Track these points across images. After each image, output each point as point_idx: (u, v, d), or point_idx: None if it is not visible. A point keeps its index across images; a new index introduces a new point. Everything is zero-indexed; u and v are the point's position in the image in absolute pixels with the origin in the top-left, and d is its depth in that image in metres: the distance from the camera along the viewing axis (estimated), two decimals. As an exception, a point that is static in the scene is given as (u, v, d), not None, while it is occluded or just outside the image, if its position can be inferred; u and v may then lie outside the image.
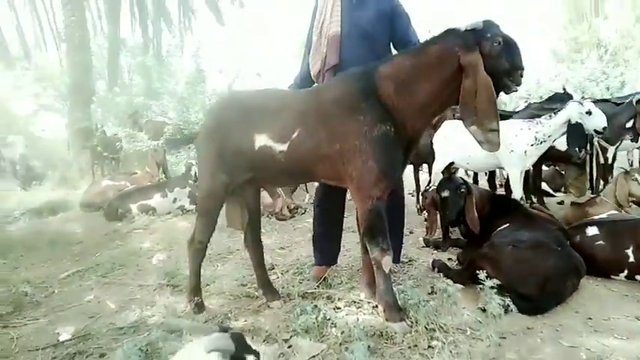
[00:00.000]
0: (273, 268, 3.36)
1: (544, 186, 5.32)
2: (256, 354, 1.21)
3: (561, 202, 5.08)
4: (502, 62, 2.02)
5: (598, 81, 11.76)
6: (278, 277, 3.19)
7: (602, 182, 4.56)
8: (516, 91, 2.11)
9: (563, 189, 5.42)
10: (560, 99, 5.02)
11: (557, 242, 2.51)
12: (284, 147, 2.26)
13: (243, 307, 2.71)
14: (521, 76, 2.07)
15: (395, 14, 2.73)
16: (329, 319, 2.32)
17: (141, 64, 9.08)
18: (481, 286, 2.20)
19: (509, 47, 2.04)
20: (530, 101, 10.56)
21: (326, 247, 3.03)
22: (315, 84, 2.82)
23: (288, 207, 5.17)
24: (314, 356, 2.10)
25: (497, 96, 2.09)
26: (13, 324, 2.70)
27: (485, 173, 5.24)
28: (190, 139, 6.88)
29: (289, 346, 2.19)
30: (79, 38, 8.77)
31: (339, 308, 2.57)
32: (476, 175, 5.42)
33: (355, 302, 2.61)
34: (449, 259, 3.30)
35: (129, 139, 7.67)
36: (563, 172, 5.43)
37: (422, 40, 2.50)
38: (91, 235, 4.66)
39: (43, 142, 12.79)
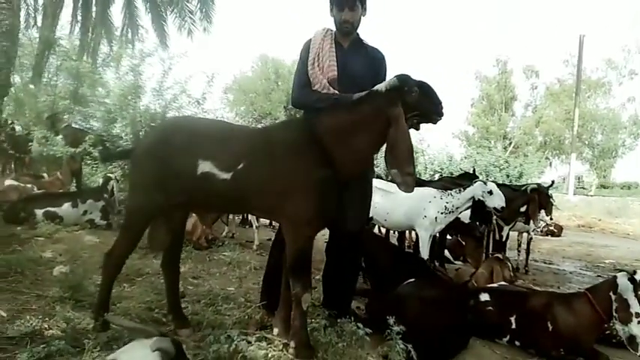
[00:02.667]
0: (184, 297, 3.30)
1: (446, 253, 5.82)
2: None
3: (458, 269, 5.59)
4: (424, 103, 2.33)
5: (501, 167, 13.25)
6: (187, 307, 3.13)
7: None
8: (440, 120, 2.41)
9: (461, 258, 5.96)
10: (469, 177, 5.66)
11: (456, 302, 2.79)
12: (227, 176, 2.35)
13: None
14: (442, 107, 2.38)
15: (380, 72, 2.82)
16: (240, 351, 2.35)
17: (73, 67, 8.64)
18: (386, 333, 2.38)
19: (426, 90, 2.35)
20: (443, 174, 11.68)
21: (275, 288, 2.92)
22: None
23: (206, 237, 5.12)
24: (221, 386, 2.12)
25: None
26: None
27: (395, 232, 5.61)
28: (110, 153, 6.57)
29: (197, 377, 2.17)
30: (6, 26, 8.19)
31: (249, 343, 2.59)
32: (387, 232, 5.78)
33: (266, 338, 2.65)
34: (357, 307, 3.48)
35: (43, 142, 7.13)
36: (463, 243, 6.00)
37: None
38: (-16, 237, 4.24)
39: None
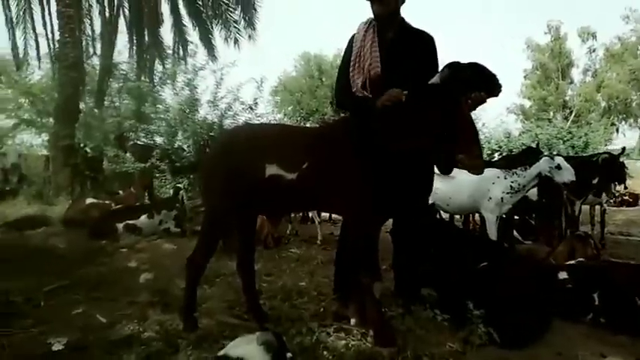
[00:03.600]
0: (261, 294, 3.45)
1: (515, 233, 5.64)
2: (291, 354, 1.35)
3: (528, 250, 5.41)
4: (480, 82, 2.29)
5: (564, 139, 12.55)
6: (264, 303, 3.28)
7: (569, 232, 4.90)
8: (500, 91, 2.34)
9: (531, 238, 5.75)
10: (533, 153, 5.45)
11: (535, 282, 2.74)
12: (293, 176, 2.46)
13: (234, 329, 2.79)
14: (497, 79, 2.32)
15: (431, 59, 2.73)
16: (322, 342, 2.45)
17: (133, 88, 9.21)
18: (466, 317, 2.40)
19: (479, 70, 2.31)
20: (502, 152, 11.22)
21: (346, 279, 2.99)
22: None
23: (272, 236, 5.30)
24: (307, 376, 2.23)
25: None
26: (1, 332, 2.68)
27: (461, 217, 5.53)
28: (177, 165, 6.95)
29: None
30: (72, 57, 8.88)
31: (329, 334, 2.70)
32: (452, 217, 5.69)
33: (344, 329, 2.74)
34: (428, 293, 3.49)
35: (114, 160, 7.68)
36: (532, 222, 5.79)
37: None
38: (75, 251, 4.64)
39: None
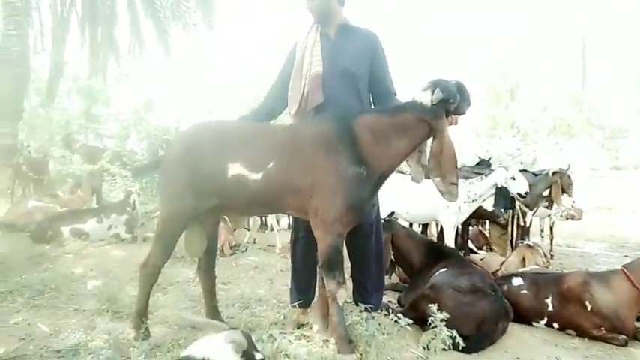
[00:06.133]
0: (218, 302, 3.32)
1: (469, 244, 5.79)
2: (262, 354, 1.27)
3: (482, 259, 5.56)
4: (462, 104, 2.37)
5: (513, 156, 13.13)
6: (222, 311, 3.15)
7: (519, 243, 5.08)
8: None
9: (484, 247, 5.93)
10: (487, 165, 5.64)
11: (491, 288, 2.79)
12: (258, 176, 2.37)
13: (189, 336, 2.65)
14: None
15: (376, 55, 2.83)
16: (282, 350, 2.37)
17: (85, 87, 8.77)
18: (429, 321, 2.39)
19: (463, 91, 2.37)
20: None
21: (303, 283, 3.01)
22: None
23: (229, 244, 5.15)
24: (268, 383, 2.14)
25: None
26: None
27: (419, 225, 5.60)
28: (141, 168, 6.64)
29: (242, 375, 2.19)
30: (16, 52, 8.36)
31: (290, 341, 2.61)
32: (411, 225, 5.76)
33: (305, 336, 2.67)
34: (389, 301, 3.48)
35: (61, 161, 7.24)
36: (485, 233, 5.98)
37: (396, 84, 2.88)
38: (16, 256, 4.29)
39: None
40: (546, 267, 3.97)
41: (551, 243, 5.84)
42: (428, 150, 2.52)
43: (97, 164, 6.53)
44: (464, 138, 18.37)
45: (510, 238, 4.99)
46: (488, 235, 5.79)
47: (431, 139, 2.41)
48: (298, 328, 2.83)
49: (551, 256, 5.75)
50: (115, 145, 7.36)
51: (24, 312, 2.96)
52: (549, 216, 5.79)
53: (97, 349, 2.35)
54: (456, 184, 2.38)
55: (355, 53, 2.80)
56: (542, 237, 5.94)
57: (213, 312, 2.80)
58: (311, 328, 2.76)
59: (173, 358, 2.20)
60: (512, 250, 4.82)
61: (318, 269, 2.63)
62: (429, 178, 2.44)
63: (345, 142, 2.37)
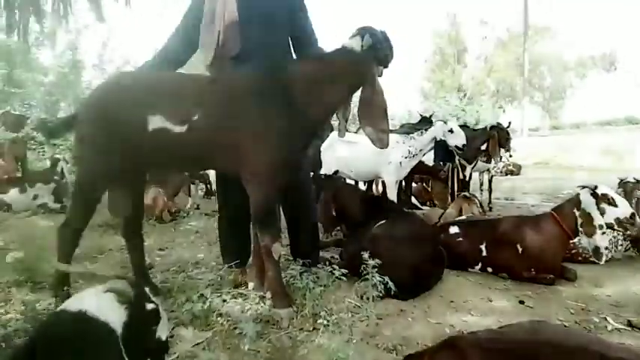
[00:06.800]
0: (152, 268, 3.18)
1: (413, 200, 5.89)
2: (156, 304, 1.15)
3: (425, 213, 5.68)
4: (387, 52, 2.29)
5: (458, 117, 13.48)
6: (156, 277, 3.01)
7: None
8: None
9: (428, 203, 6.05)
10: (428, 122, 5.69)
11: (427, 235, 2.80)
12: (182, 129, 2.20)
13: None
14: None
15: (295, 4, 2.74)
16: (214, 309, 2.28)
17: (4, 50, 7.93)
18: (361, 269, 2.37)
19: (389, 43, 2.31)
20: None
21: (235, 245, 2.93)
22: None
23: (169, 210, 4.94)
24: (198, 344, 2.05)
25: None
26: None
27: (364, 183, 5.61)
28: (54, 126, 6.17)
29: (171, 336, 2.09)
30: None
31: (225, 300, 2.52)
32: (356, 183, 5.75)
33: (242, 295, 2.59)
34: (331, 256, 3.46)
35: (-21, 131, 6.63)
36: (428, 189, 6.09)
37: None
38: None
39: None
40: (483, 215, 4.08)
41: (489, 196, 6.04)
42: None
43: (20, 132, 6.00)
44: (411, 102, 18.65)
45: (451, 191, 5.09)
46: (430, 190, 5.89)
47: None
48: (236, 287, 2.74)
49: (490, 208, 5.96)
50: (42, 113, 6.78)
51: None
52: (488, 170, 5.95)
53: (9, 322, 2.17)
54: (387, 131, 2.34)
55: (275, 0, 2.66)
56: (481, 191, 6.12)
57: (142, 277, 2.64)
58: (247, 286, 2.68)
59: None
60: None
61: (251, 227, 2.56)
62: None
63: (274, 92, 2.25)
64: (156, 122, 2.21)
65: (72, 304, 1.01)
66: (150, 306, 1.09)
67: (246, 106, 2.23)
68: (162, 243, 4.02)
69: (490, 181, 6.03)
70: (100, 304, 0.99)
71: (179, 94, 2.29)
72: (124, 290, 1.05)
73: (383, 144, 2.33)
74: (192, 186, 6.14)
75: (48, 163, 5.28)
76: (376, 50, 2.23)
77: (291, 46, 2.81)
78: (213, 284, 2.77)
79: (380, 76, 2.38)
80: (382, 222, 3.04)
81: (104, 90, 2.43)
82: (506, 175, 10.20)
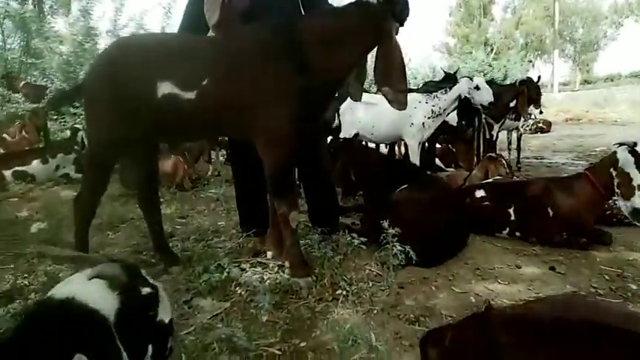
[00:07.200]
0: (173, 236, 3.18)
1: (437, 161, 5.72)
2: (154, 287, 1.09)
3: (449, 175, 5.51)
4: (403, 9, 2.15)
5: (485, 72, 12.92)
6: (177, 245, 3.01)
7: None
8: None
9: (453, 165, 5.87)
10: (453, 79, 5.42)
11: (452, 202, 2.68)
12: (191, 95, 2.10)
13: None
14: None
15: None
16: (233, 279, 2.25)
17: (20, 20, 7.84)
18: (382, 238, 2.28)
19: (408, 5, 2.18)
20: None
21: (253, 213, 2.86)
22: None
23: (190, 177, 4.93)
24: (216, 315, 2.02)
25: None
26: None
27: (386, 146, 5.46)
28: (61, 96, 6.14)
29: (189, 307, 2.07)
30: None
31: (243, 269, 2.50)
32: (377, 147, 5.59)
33: (261, 263, 2.56)
34: (352, 222, 3.39)
35: (1, 101, 6.66)
36: (453, 150, 5.88)
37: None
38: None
39: None
40: (510, 175, 3.90)
41: (518, 156, 5.79)
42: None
43: (41, 103, 6.01)
44: (434, 59, 17.94)
45: (476, 152, 4.89)
46: (455, 151, 5.69)
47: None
48: (255, 256, 2.70)
49: (518, 168, 5.74)
50: (60, 82, 6.75)
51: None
52: (517, 128, 5.68)
53: (32, 292, 2.19)
54: (405, 92, 2.22)
55: None
56: (509, 150, 5.87)
57: (161, 246, 2.63)
58: (266, 255, 2.64)
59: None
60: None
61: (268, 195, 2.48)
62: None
63: (286, 51, 2.12)
64: (165, 88, 2.12)
65: (60, 292, 0.95)
66: (145, 290, 1.02)
67: (255, 67, 2.12)
68: (183, 211, 4.01)
69: (519, 140, 5.75)
70: (92, 290, 0.93)
71: (188, 59, 2.18)
72: (114, 275, 0.98)
73: (401, 105, 2.20)
74: (212, 152, 6.09)
75: (68, 133, 5.30)
76: (393, 4, 2.09)
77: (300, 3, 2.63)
78: (232, 252, 2.75)
79: (396, 34, 2.22)
80: (403, 187, 2.92)
81: (112, 55, 2.33)
82: (536, 132, 9.81)
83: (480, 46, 30.85)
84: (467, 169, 4.79)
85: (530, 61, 29.70)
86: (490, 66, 13.48)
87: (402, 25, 2.21)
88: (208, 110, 2.15)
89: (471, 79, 3.90)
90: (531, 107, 4.93)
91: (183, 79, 2.12)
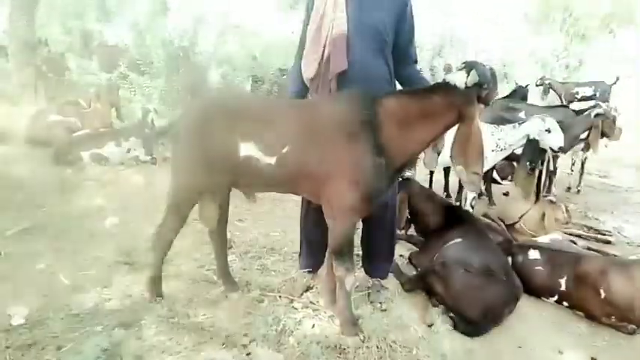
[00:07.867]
0: (231, 247, 3.40)
1: (494, 174, 5.59)
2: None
3: (506, 194, 5.43)
4: (492, 92, 2.21)
5: (559, 57, 12.05)
6: (235, 261, 3.25)
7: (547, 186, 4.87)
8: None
9: (509, 177, 5.73)
10: (522, 94, 5.19)
11: (504, 270, 2.72)
12: (271, 160, 2.24)
13: (201, 294, 2.77)
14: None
15: (404, 14, 2.50)
16: (286, 331, 2.46)
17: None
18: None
19: (495, 81, 2.20)
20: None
21: (311, 253, 2.98)
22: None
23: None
24: (271, 365, 2.25)
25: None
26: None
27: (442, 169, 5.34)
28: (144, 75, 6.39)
29: (248, 354, 2.30)
30: None
31: (295, 309, 2.70)
32: (432, 174, 5.39)
33: (312, 303, 2.75)
34: (400, 255, 3.50)
35: (79, 70, 6.98)
36: (513, 163, 5.70)
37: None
38: (38, 181, 4.36)
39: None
40: (567, 223, 3.84)
41: (580, 178, 5.57)
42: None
43: (114, 72, 6.28)
44: (513, 25, 16.52)
45: (537, 181, 4.75)
46: (514, 168, 5.53)
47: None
48: (306, 291, 2.90)
49: (578, 191, 5.56)
50: (132, 50, 6.96)
51: (47, 256, 3.06)
52: (582, 150, 5.42)
53: (113, 311, 2.49)
54: (480, 174, 2.26)
55: (383, 9, 2.44)
56: (572, 170, 5.65)
57: (224, 273, 2.87)
58: (319, 293, 2.83)
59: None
60: (537, 196, 4.66)
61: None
62: None
63: (366, 130, 2.19)
64: (247, 150, 2.26)
65: None
66: None
67: (334, 142, 2.21)
68: (241, 212, 4.22)
69: (583, 163, 5.52)
70: None
71: (271, 124, 2.29)
72: None
73: (475, 187, 2.29)
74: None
75: (139, 114, 5.54)
76: (480, 88, 2.10)
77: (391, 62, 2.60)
78: (286, 282, 2.96)
79: (480, 114, 2.22)
80: (458, 240, 2.99)
81: (202, 110, 2.46)
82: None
83: (559, 10, 28.23)
84: (523, 196, 4.71)
85: (611, 31, 26.96)
86: (566, 50, 12.48)
87: (487, 105, 2.21)
88: (286, 175, 2.29)
89: (544, 120, 3.74)
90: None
91: (265, 144, 2.25)
